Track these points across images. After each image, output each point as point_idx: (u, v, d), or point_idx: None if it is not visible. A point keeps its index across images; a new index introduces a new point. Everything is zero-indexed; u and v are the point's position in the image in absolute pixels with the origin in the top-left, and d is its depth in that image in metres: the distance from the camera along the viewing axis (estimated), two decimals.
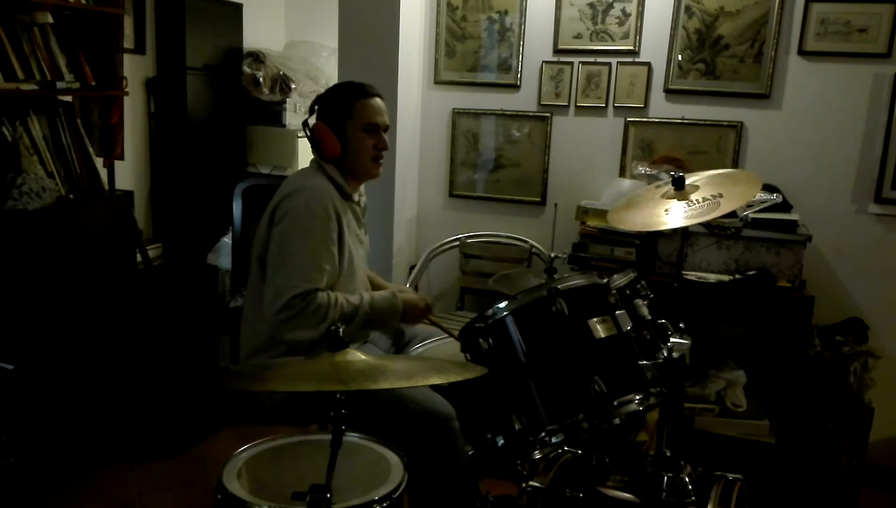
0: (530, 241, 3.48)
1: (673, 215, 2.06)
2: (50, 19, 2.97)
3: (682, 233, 2.26)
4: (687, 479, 2.02)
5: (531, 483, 2.09)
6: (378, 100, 2.16)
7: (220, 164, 3.78)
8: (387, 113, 2.18)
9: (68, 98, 3.11)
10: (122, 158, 3.35)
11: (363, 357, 1.41)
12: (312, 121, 2.18)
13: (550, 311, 1.80)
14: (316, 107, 2.18)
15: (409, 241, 3.66)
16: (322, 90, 3.72)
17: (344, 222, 2.09)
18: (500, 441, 1.80)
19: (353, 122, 2.11)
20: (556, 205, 3.34)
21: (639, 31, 3.23)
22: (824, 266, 3.11)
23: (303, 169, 2.23)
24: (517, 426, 1.77)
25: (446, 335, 2.30)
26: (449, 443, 1.91)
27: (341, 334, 1.43)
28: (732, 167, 3.17)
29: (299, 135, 3.81)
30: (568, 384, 1.76)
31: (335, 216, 2.04)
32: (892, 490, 3.07)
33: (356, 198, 2.23)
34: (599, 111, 3.35)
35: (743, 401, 2.88)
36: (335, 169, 2.13)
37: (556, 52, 3.36)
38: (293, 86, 3.84)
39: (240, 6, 3.87)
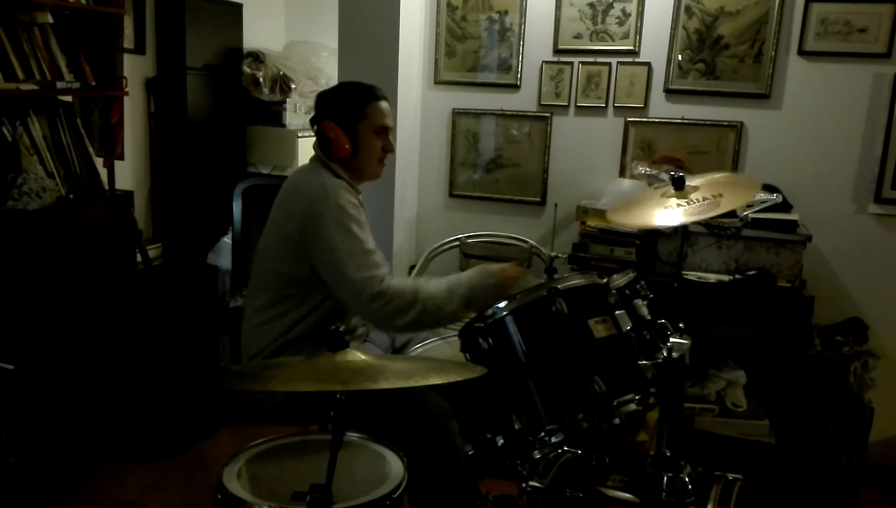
0: (530, 241, 3.48)
1: (672, 212, 2.07)
2: (50, 19, 2.97)
3: (682, 233, 2.26)
4: (687, 479, 2.02)
5: (531, 483, 2.09)
6: (386, 102, 2.19)
7: (220, 164, 3.78)
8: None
9: (68, 98, 3.11)
10: (122, 158, 3.35)
11: (363, 357, 1.41)
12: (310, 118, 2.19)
13: (550, 311, 1.80)
14: (322, 104, 2.17)
15: (409, 241, 3.66)
16: (322, 90, 3.69)
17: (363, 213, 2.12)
18: (500, 441, 1.80)
19: (365, 123, 2.13)
20: (556, 205, 3.34)
21: (639, 31, 3.22)
22: (824, 266, 3.10)
23: (307, 168, 2.20)
24: (517, 426, 1.77)
25: (447, 335, 2.30)
26: (449, 443, 1.91)
27: (344, 333, 1.43)
28: (732, 167, 3.18)
29: (299, 135, 3.81)
30: (567, 384, 1.76)
31: (360, 205, 2.09)
32: (892, 490, 3.07)
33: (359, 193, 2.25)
34: (599, 111, 3.35)
35: (743, 401, 2.88)
36: (340, 167, 2.14)
37: (556, 52, 3.36)
38: (293, 86, 3.84)
39: (240, 6, 3.87)
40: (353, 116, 2.12)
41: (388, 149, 2.19)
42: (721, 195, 2.06)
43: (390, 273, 2.03)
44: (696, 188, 2.12)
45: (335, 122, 2.12)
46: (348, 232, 1.99)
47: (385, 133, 2.17)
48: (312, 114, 2.20)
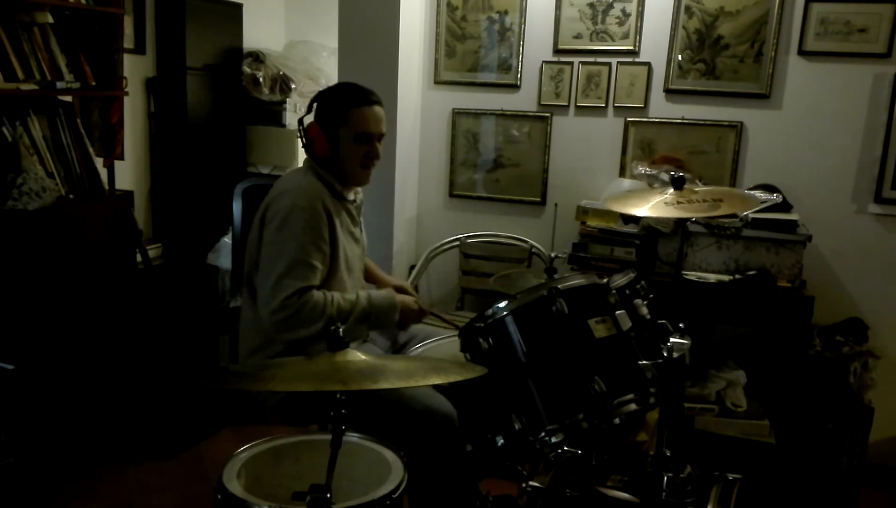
0: (530, 241, 3.48)
1: (672, 206, 2.07)
2: (50, 19, 2.97)
3: (682, 233, 2.26)
4: (687, 479, 2.02)
5: (531, 483, 2.09)
6: (377, 108, 2.12)
7: (220, 164, 3.78)
8: (384, 121, 2.15)
9: (68, 98, 3.11)
10: (122, 158, 3.35)
11: (363, 357, 1.41)
12: (309, 118, 2.17)
13: (550, 311, 1.80)
14: (315, 105, 2.17)
15: (409, 241, 3.66)
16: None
17: (336, 221, 2.08)
18: (500, 441, 1.80)
19: (346, 129, 2.09)
20: (556, 205, 3.34)
21: (639, 31, 3.23)
22: (824, 266, 3.11)
23: (294, 169, 2.24)
24: (517, 426, 1.76)
25: (447, 335, 2.30)
26: (449, 443, 1.91)
27: (341, 332, 1.43)
28: (732, 167, 3.18)
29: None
30: (568, 384, 1.76)
31: (325, 214, 2.04)
32: (892, 490, 3.07)
33: (351, 197, 2.22)
34: (599, 111, 3.35)
35: (743, 401, 2.88)
36: (327, 170, 2.13)
37: (556, 52, 3.36)
38: (293, 86, 3.84)
39: (240, 6, 3.87)
40: (335, 119, 2.09)
41: (372, 155, 2.13)
42: (721, 200, 2.07)
43: (322, 289, 2.02)
44: (696, 192, 2.14)
45: (319, 124, 2.11)
46: (293, 238, 1.98)
47: (370, 140, 2.11)
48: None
